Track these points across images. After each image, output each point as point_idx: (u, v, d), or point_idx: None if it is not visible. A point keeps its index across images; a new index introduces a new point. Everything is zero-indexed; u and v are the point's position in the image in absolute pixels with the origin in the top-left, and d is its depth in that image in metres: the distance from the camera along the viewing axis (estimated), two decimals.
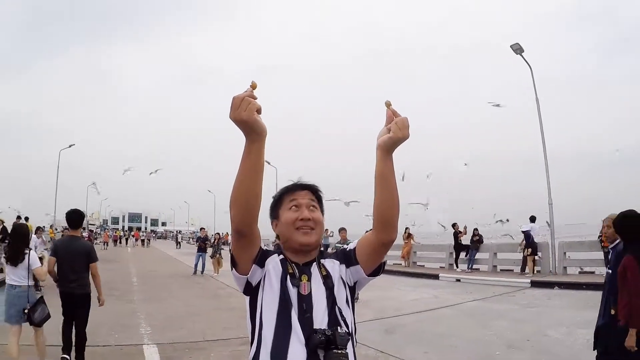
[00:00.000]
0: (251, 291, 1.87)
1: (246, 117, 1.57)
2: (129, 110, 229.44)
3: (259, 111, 1.60)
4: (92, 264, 6.40)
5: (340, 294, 1.86)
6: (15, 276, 5.81)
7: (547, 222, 17.54)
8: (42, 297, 6.09)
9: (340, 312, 1.81)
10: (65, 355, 6.14)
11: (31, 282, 5.94)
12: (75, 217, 6.50)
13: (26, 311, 5.71)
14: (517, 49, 18.55)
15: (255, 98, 1.60)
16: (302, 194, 2.01)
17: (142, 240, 57.63)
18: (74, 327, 6.27)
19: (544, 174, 18.52)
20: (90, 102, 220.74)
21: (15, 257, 5.78)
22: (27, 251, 5.85)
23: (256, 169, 1.68)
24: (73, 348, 6.21)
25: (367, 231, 2.05)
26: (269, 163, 41.30)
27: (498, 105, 19.43)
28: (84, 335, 6.28)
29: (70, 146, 41.33)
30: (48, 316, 5.95)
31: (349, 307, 1.87)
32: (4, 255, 6.53)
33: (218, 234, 21.99)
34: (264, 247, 1.91)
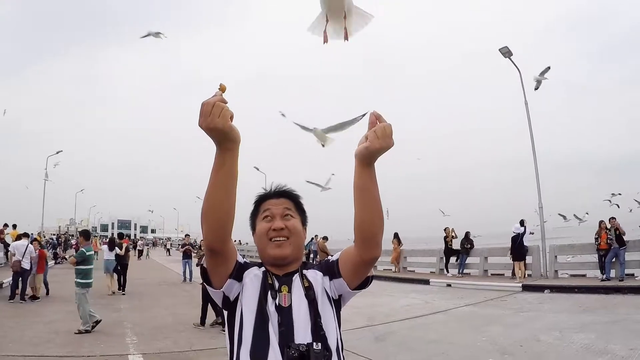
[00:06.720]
0: (229, 305, 1.75)
1: (221, 125, 1.45)
2: (116, 118, 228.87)
3: (231, 118, 1.47)
4: (128, 252, 16.70)
5: (324, 307, 1.72)
6: (109, 255, 15.21)
7: (531, 232, 17.37)
8: (117, 263, 15.28)
9: (323, 327, 1.66)
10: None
11: (113, 257, 15.39)
12: (119, 235, 18.87)
13: (116, 268, 15.26)
14: (506, 52, 18.54)
15: (226, 102, 1.47)
16: (276, 202, 1.88)
17: (140, 251, 41.05)
18: (121, 279, 15.69)
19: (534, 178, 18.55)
20: (77, 108, 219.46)
21: (112, 248, 15.41)
22: (117, 245, 15.80)
23: (230, 180, 1.56)
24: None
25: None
26: (257, 169, 40.94)
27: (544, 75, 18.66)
28: (125, 278, 15.75)
29: (57, 152, 40.99)
30: (120, 269, 15.57)
31: (334, 321, 1.73)
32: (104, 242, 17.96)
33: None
34: (242, 261, 1.78)
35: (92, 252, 9.77)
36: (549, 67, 17.74)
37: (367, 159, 1.63)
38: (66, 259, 29.65)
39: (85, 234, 10.45)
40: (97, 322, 9.03)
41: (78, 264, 9.29)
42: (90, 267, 9.45)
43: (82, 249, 9.72)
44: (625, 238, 14.03)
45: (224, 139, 1.49)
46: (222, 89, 1.49)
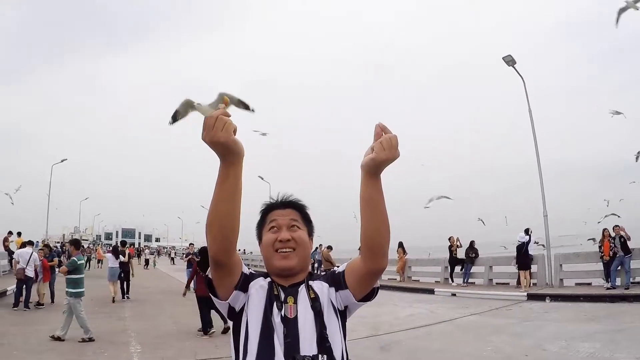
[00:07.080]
0: (235, 316, 1.75)
1: (224, 139, 1.45)
2: (118, 123, 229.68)
3: (234, 131, 1.47)
4: (131, 259, 17.45)
5: (330, 318, 1.71)
6: (114, 263, 15.82)
7: (535, 242, 17.27)
8: (121, 270, 15.88)
9: (329, 339, 1.66)
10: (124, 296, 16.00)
11: (117, 265, 15.87)
12: (122, 243, 19.11)
13: (119, 275, 15.84)
14: (510, 61, 18.56)
15: (229, 116, 1.47)
16: (283, 212, 1.87)
17: (147, 260, 42.42)
18: (124, 285, 16.10)
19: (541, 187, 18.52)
20: (83, 116, 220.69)
21: (117, 256, 15.99)
22: (121, 252, 16.53)
23: (234, 193, 1.56)
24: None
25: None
26: (262, 178, 40.93)
27: (619, 113, 19.00)
28: (129, 284, 16.29)
29: (62, 161, 41.09)
30: (125, 276, 16.16)
31: (339, 332, 1.72)
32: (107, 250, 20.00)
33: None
34: (247, 272, 1.77)
35: (83, 261, 9.73)
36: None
37: (373, 170, 1.63)
38: None
39: (76, 243, 10.21)
40: (60, 339, 8.67)
41: (69, 273, 9.00)
42: (81, 276, 9.19)
43: (74, 257, 9.47)
44: (631, 245, 13.94)
45: (228, 152, 1.49)
46: (225, 102, 1.49)
